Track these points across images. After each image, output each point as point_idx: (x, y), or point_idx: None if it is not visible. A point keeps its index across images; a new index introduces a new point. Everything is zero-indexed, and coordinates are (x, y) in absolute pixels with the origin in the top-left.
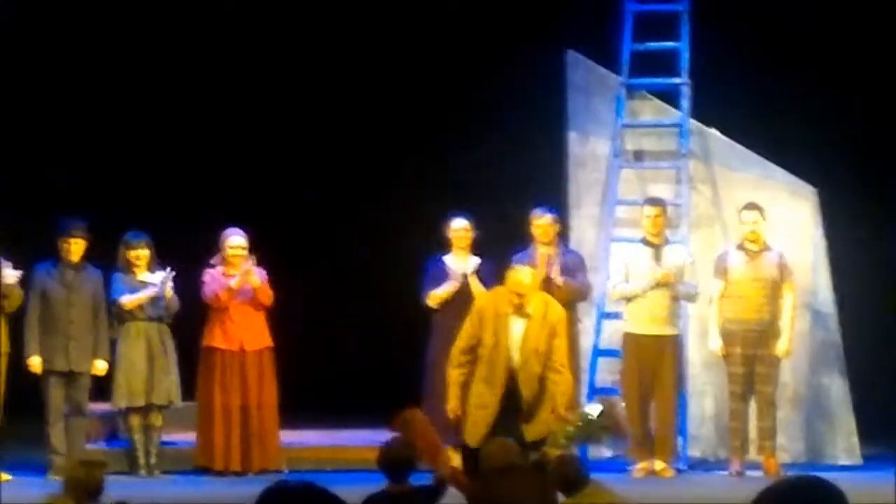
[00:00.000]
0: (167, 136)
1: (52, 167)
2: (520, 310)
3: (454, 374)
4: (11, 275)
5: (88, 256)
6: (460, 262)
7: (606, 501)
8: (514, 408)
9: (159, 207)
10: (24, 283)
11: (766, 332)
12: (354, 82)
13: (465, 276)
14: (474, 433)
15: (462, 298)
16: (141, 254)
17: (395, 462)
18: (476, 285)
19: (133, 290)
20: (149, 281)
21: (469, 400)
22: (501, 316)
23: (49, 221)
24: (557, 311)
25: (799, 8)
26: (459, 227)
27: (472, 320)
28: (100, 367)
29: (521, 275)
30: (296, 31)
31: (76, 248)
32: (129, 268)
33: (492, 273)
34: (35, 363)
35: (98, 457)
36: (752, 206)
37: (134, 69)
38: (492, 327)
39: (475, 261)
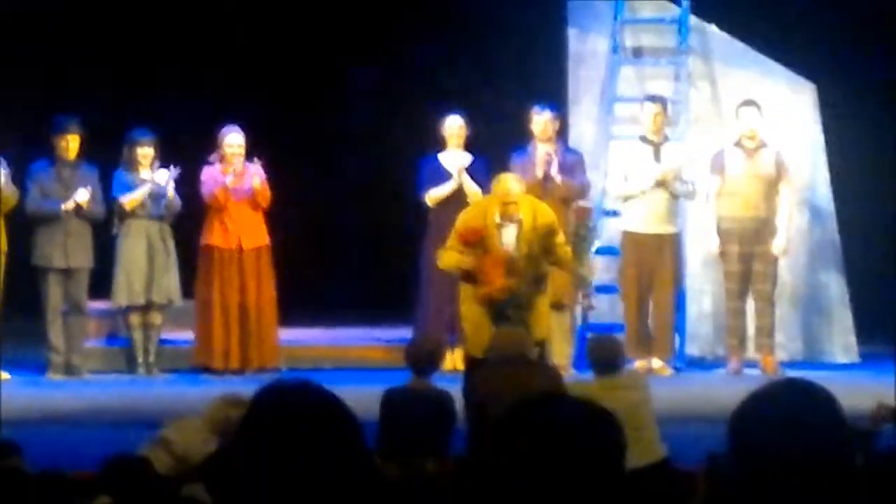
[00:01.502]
0: (166, 35)
1: (52, 66)
2: (510, 217)
3: (453, 255)
4: (2, 172)
5: (85, 154)
6: (455, 160)
7: (631, 397)
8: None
9: (158, 107)
10: (18, 181)
11: (762, 230)
12: None
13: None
14: (477, 341)
15: (456, 195)
16: (147, 152)
17: (420, 357)
18: (466, 182)
19: (134, 188)
20: (151, 179)
21: (468, 308)
22: (491, 226)
23: (49, 121)
24: (547, 213)
25: None
26: (454, 125)
27: (459, 227)
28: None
29: (509, 183)
30: None
31: (73, 144)
32: (132, 165)
33: (486, 171)
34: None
35: (238, 395)
36: (749, 103)
37: None
38: (479, 232)
39: (467, 157)
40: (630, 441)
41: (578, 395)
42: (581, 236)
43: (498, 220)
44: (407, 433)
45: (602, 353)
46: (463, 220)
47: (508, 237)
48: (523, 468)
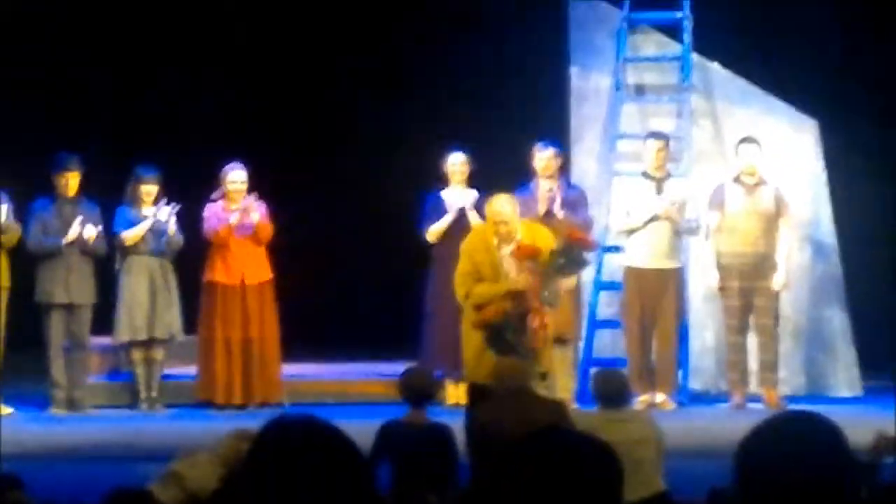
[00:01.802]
0: (169, 74)
1: (55, 104)
2: (508, 238)
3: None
4: (3, 209)
5: (85, 191)
6: (457, 196)
7: (636, 432)
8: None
9: (160, 143)
10: (19, 218)
11: (762, 265)
12: (355, 17)
13: (462, 209)
14: (478, 369)
15: (460, 231)
16: (151, 189)
17: (414, 390)
18: (475, 218)
19: (137, 224)
20: (153, 216)
21: (470, 336)
22: (491, 250)
23: (49, 159)
24: (546, 237)
25: None
26: (456, 162)
27: (463, 262)
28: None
29: (499, 203)
30: None
31: (72, 182)
32: (136, 202)
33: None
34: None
35: (250, 430)
36: (748, 140)
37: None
38: (486, 262)
39: (473, 194)
40: (628, 473)
41: (582, 428)
42: (558, 263)
43: (496, 242)
44: (405, 466)
45: (607, 386)
46: (466, 252)
47: (510, 261)
48: (527, 497)
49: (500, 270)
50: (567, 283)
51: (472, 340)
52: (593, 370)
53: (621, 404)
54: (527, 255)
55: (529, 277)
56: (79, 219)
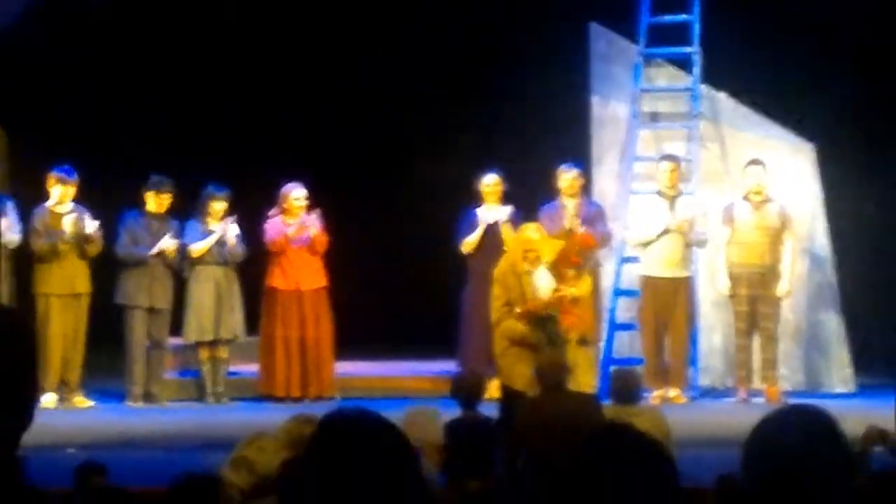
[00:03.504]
0: (238, 106)
1: (135, 131)
2: (535, 263)
3: (512, 323)
4: (91, 224)
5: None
6: (490, 213)
7: (652, 423)
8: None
9: (228, 165)
10: (105, 229)
11: (767, 275)
12: (409, 56)
13: (496, 224)
14: (514, 376)
15: (494, 244)
16: (221, 206)
17: (465, 392)
18: (507, 233)
19: (204, 237)
20: (222, 230)
21: (504, 349)
22: (519, 274)
23: (131, 177)
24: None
25: None
26: (490, 182)
27: (496, 287)
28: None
29: (528, 232)
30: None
31: (165, 201)
32: (205, 217)
33: (520, 222)
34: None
35: (310, 414)
36: (755, 162)
37: (203, 49)
38: (515, 286)
39: (507, 210)
40: None
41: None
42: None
43: (527, 267)
44: (458, 458)
45: (621, 384)
46: (498, 279)
47: (540, 280)
48: (585, 490)
49: (528, 290)
50: (585, 286)
51: (506, 352)
52: (613, 368)
53: (634, 401)
54: (583, 247)
55: (554, 293)
56: (167, 234)
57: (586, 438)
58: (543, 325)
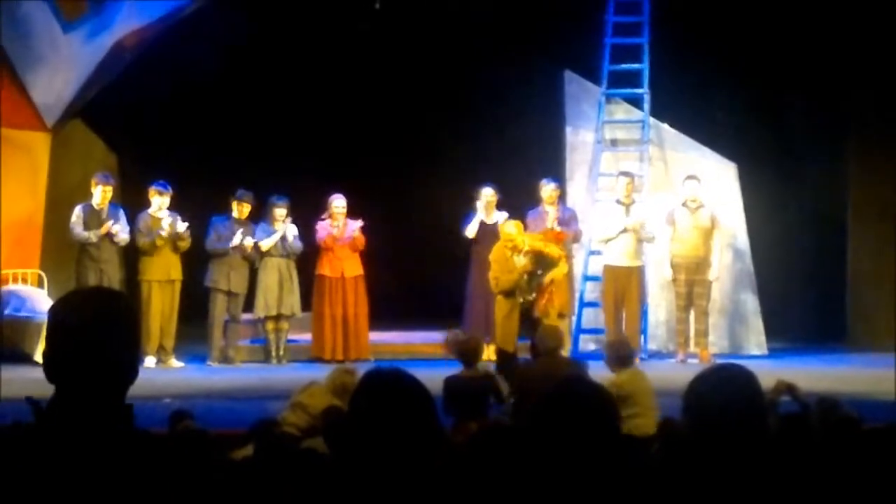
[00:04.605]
0: (294, 138)
1: (214, 154)
2: (515, 250)
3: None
4: (182, 225)
5: (220, 211)
6: (486, 217)
7: (642, 384)
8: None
9: (286, 181)
10: (195, 230)
11: (701, 264)
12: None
13: (494, 224)
14: (508, 339)
15: (491, 239)
16: (282, 212)
17: (465, 351)
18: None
19: (270, 235)
20: (281, 230)
21: (501, 317)
22: (509, 259)
23: (209, 190)
24: (546, 245)
25: (725, 34)
26: (487, 193)
27: (492, 266)
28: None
29: (507, 228)
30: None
31: (246, 209)
32: (271, 220)
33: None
34: (248, 243)
35: (352, 367)
36: (691, 177)
37: (264, 94)
38: (503, 262)
39: (503, 214)
40: (647, 413)
41: (614, 383)
42: (534, 272)
43: (510, 255)
44: (461, 406)
45: (615, 351)
46: (492, 259)
47: (520, 261)
48: (551, 423)
49: (511, 266)
50: (560, 270)
51: (503, 321)
52: (609, 340)
53: (626, 365)
54: (559, 240)
55: (528, 265)
56: (239, 231)
57: (554, 385)
58: (519, 291)
